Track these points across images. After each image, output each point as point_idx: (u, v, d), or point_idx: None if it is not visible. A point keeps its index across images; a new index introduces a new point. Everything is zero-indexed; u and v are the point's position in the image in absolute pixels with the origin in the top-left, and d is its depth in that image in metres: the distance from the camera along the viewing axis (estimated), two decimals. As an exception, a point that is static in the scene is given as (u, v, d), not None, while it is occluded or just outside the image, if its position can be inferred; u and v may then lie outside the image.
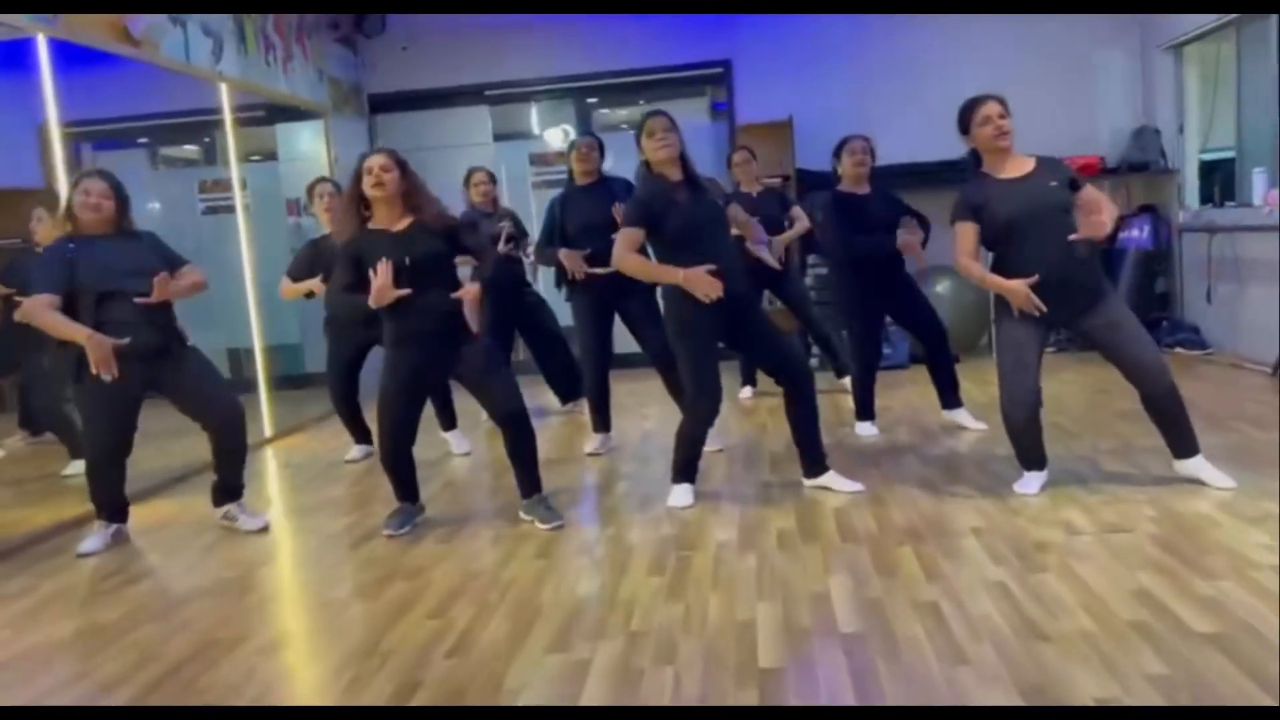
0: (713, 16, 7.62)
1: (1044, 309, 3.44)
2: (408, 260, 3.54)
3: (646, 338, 4.66)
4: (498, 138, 8.29)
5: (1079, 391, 5.64)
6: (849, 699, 2.24)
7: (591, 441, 4.98)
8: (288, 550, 3.81)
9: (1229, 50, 6.74)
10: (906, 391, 5.97)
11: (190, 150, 8.77)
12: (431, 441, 5.04)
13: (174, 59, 5.47)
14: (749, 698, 2.28)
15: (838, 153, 4.85)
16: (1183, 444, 3.60)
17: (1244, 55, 6.43)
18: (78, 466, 4.91)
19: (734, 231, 4.03)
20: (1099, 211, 3.44)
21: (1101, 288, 3.57)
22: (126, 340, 3.60)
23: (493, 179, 5.76)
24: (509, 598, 3.04)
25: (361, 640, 2.80)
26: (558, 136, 8.45)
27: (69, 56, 4.77)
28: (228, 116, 6.00)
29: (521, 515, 3.82)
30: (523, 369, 6.03)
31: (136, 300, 3.65)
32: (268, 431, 6.11)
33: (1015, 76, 7.36)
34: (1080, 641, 2.42)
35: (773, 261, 4.24)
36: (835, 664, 2.42)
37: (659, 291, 3.97)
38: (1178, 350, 6.79)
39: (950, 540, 3.24)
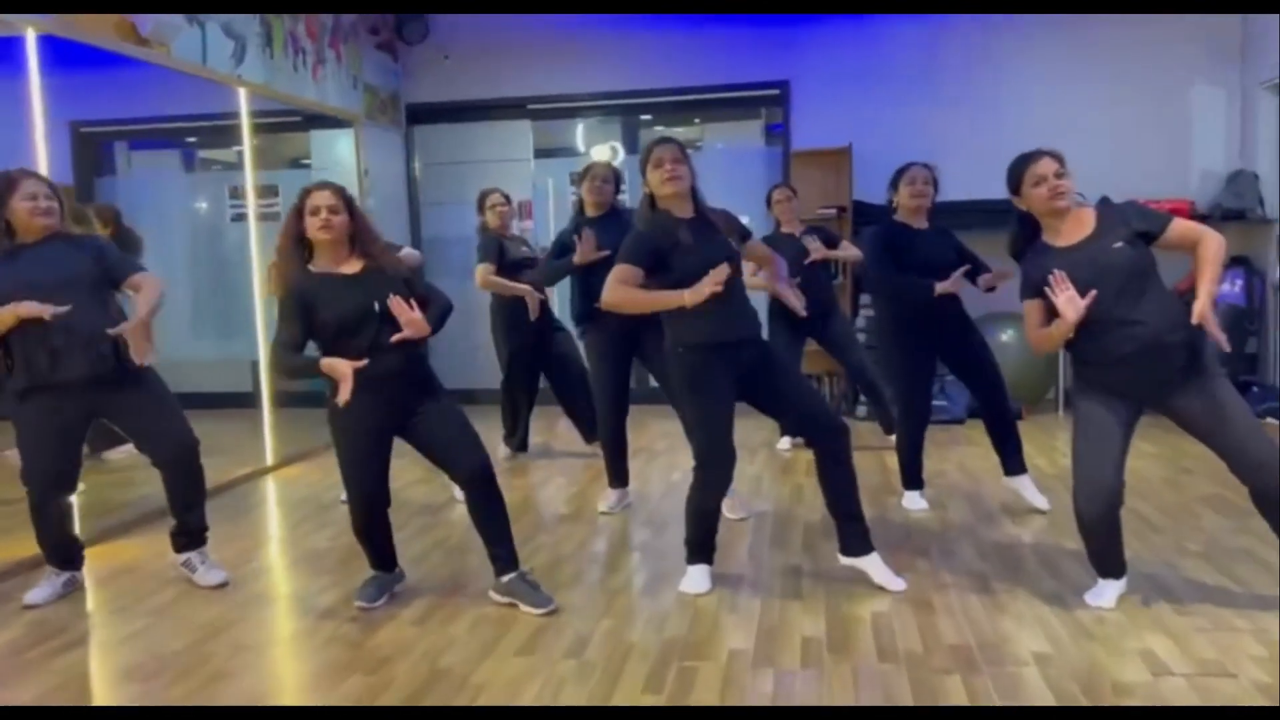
0: (773, 33, 7.13)
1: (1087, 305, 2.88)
2: (377, 306, 3.10)
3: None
4: (539, 154, 7.87)
5: (1160, 469, 5.00)
6: None
7: (606, 498, 4.51)
8: (248, 618, 3.35)
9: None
10: (963, 452, 5.41)
11: (227, 153, 8.51)
12: (441, 484, 4.63)
13: (188, 60, 5.11)
14: None
15: (895, 182, 4.30)
16: None
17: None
18: None
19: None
20: (1198, 244, 2.88)
21: (1201, 360, 2.97)
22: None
23: (508, 200, 5.32)
24: (484, 699, 2.57)
25: (292, 760, 2.35)
26: (605, 154, 8.02)
27: (99, 56, 4.50)
28: (245, 121, 5.65)
29: (494, 596, 3.32)
30: (544, 398, 5.62)
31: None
32: (269, 459, 5.72)
33: (1099, 111, 6.84)
34: None
35: (796, 304, 3.72)
36: None
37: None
38: (1268, 420, 6.13)
39: (1008, 671, 2.70)
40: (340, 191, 3.15)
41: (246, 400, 7.94)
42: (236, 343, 7.17)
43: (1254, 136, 6.66)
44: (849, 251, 5.38)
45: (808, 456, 5.30)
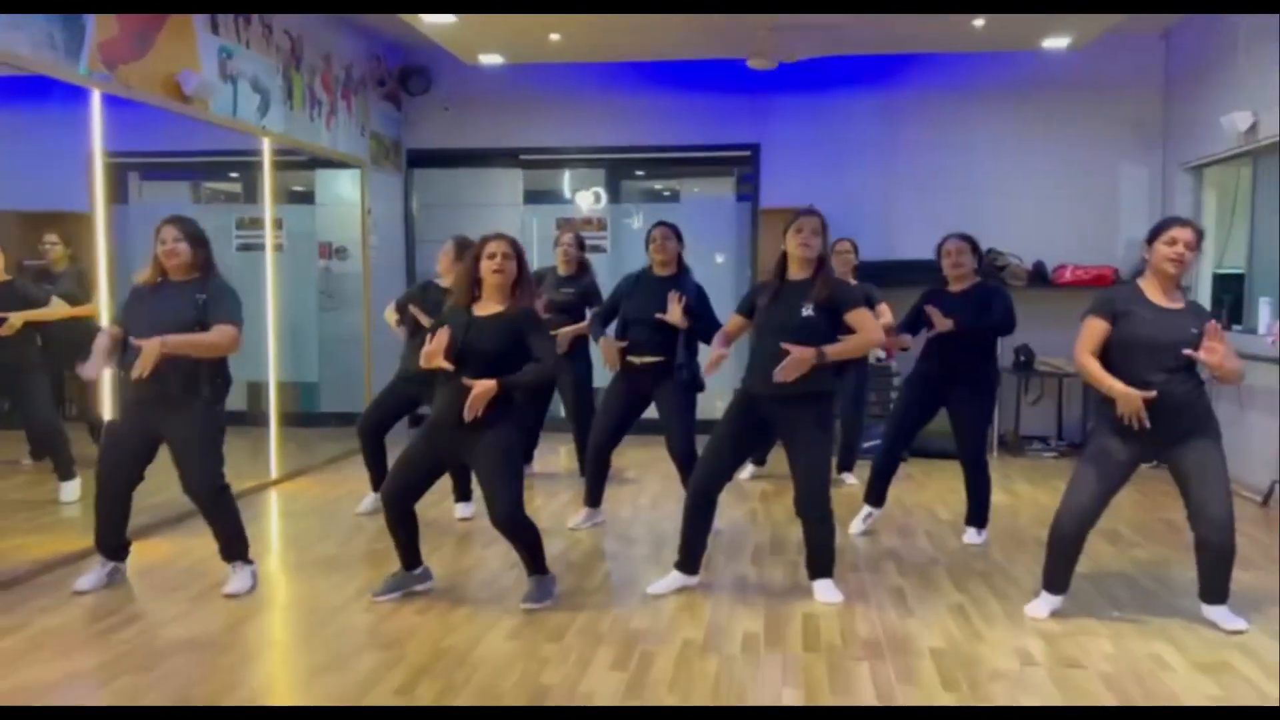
0: (746, 101, 7.84)
1: (1147, 425, 3.43)
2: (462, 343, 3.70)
3: (674, 431, 4.76)
4: (528, 199, 8.52)
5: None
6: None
7: (578, 515, 5.10)
8: (271, 609, 3.93)
9: (1247, 175, 6.86)
10: (900, 486, 6.05)
11: (232, 185, 9.10)
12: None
13: (222, 115, 5.74)
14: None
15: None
16: (1217, 592, 3.64)
17: (1259, 182, 6.55)
18: (70, 491, 5.15)
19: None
20: (1218, 348, 3.44)
21: (1207, 426, 3.58)
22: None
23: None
24: (475, 680, 3.16)
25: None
26: (588, 199, 8.68)
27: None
28: (267, 168, 6.25)
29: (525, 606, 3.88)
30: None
31: None
32: (274, 473, 6.28)
33: (1037, 184, 7.61)
34: (1009, 784, 2.51)
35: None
36: (770, 784, 2.51)
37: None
38: (1178, 467, 6.82)
39: (909, 660, 3.33)
40: (514, 243, 3.80)
41: (242, 419, 8.50)
42: (238, 365, 7.73)
43: (1173, 210, 7.41)
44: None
45: (762, 486, 5.96)
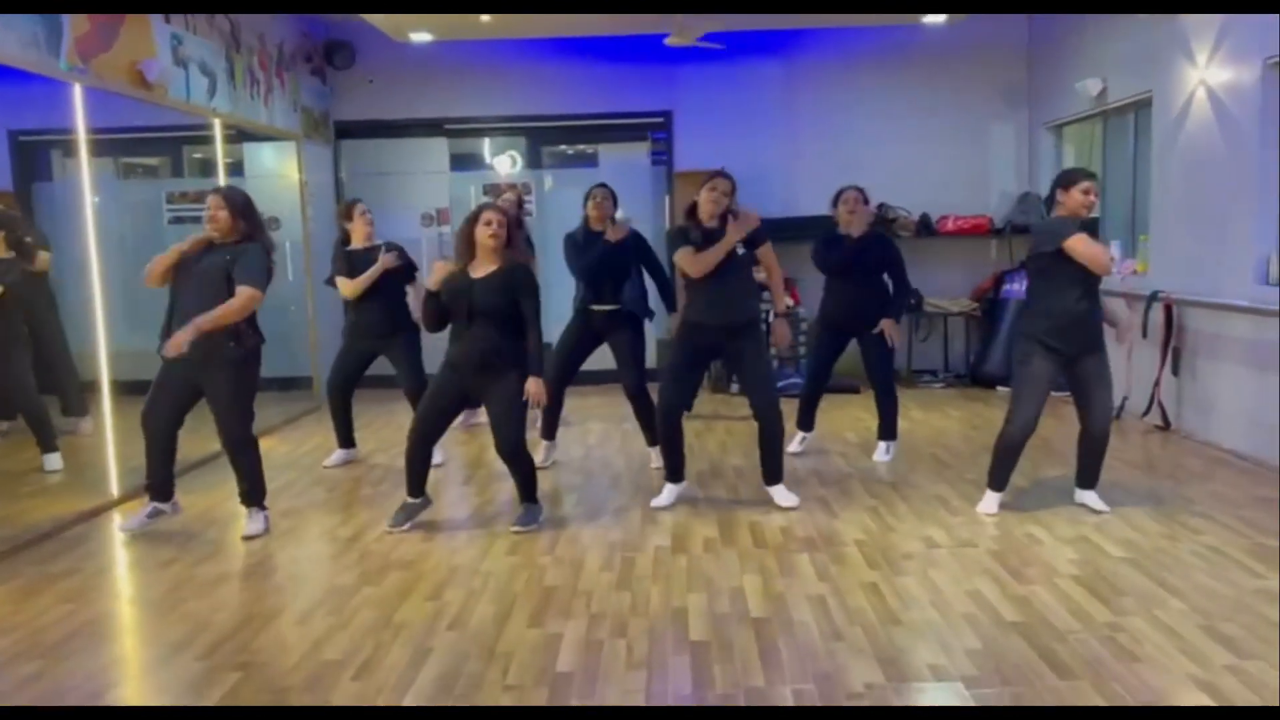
0: (657, 70, 8.47)
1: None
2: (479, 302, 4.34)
3: (628, 370, 5.44)
4: (454, 166, 9.00)
5: (959, 427, 6.62)
6: (757, 667, 3.07)
7: (539, 450, 5.75)
8: (291, 543, 4.49)
9: (1099, 132, 7.85)
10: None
11: (158, 160, 9.30)
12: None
13: (179, 99, 6.09)
14: (682, 664, 3.10)
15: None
16: (1090, 478, 4.58)
17: (1109, 141, 7.53)
18: (53, 461, 5.48)
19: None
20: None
21: (1101, 340, 4.44)
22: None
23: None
24: (490, 585, 3.82)
25: (376, 616, 3.55)
26: (505, 163, 9.20)
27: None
28: (219, 146, 6.62)
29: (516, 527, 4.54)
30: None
31: None
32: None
33: (918, 143, 8.46)
34: (924, 626, 3.31)
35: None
36: (746, 640, 3.25)
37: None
38: (1046, 390, 7.85)
39: (837, 549, 4.12)
40: (506, 211, 4.44)
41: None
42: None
43: (1038, 165, 8.40)
44: None
45: (695, 425, 6.71)
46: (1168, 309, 6.17)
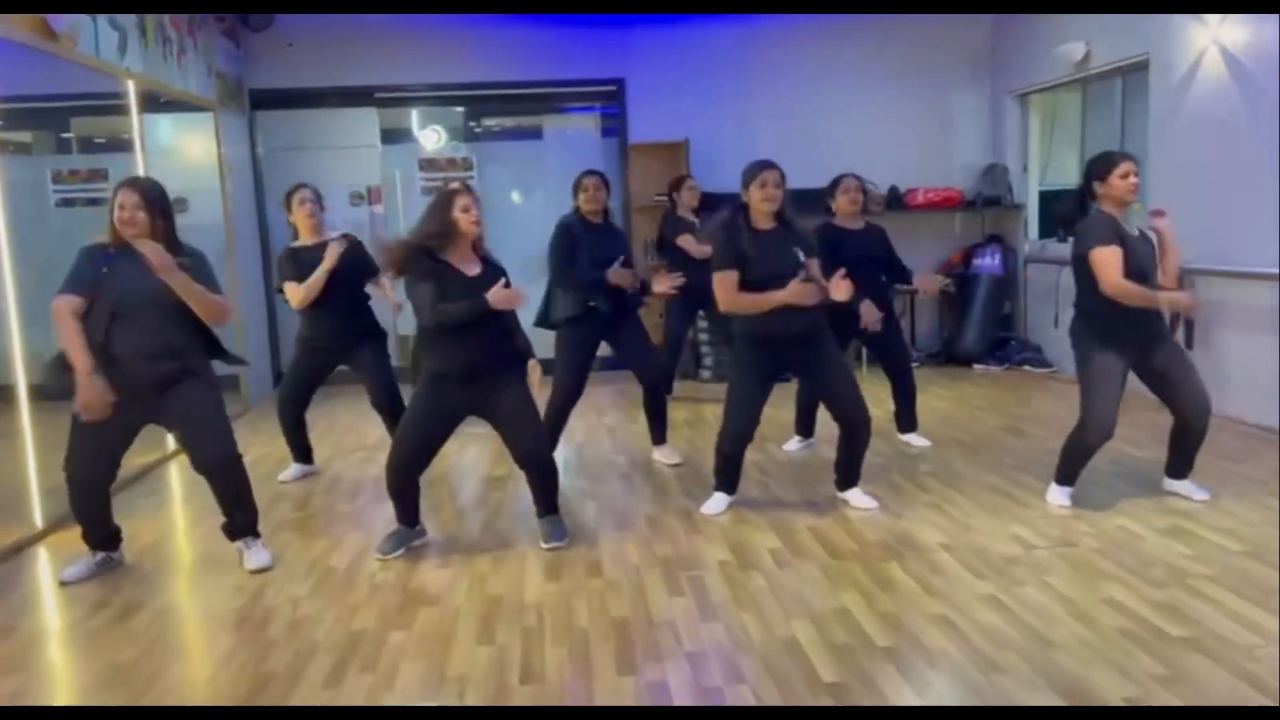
0: (607, 34, 7.84)
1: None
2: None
3: (641, 360, 4.95)
4: (386, 140, 8.19)
5: (960, 409, 6.27)
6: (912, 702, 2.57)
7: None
8: (280, 577, 3.74)
9: (1069, 100, 7.62)
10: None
11: (37, 136, 8.20)
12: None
13: (87, 54, 5.18)
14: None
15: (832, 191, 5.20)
16: (1184, 467, 4.21)
17: (1089, 108, 7.30)
18: None
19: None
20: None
21: (1166, 327, 4.07)
22: (120, 395, 3.47)
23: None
24: (548, 622, 3.20)
25: (424, 670, 2.90)
26: (430, 138, 8.44)
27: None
28: (135, 112, 5.72)
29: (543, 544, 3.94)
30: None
31: None
32: (171, 446, 5.84)
33: (881, 112, 8.07)
34: (1082, 647, 2.86)
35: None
36: (889, 677, 2.74)
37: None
38: (1025, 368, 7.61)
39: (929, 556, 3.65)
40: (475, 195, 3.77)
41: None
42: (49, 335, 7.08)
43: (1004, 136, 8.13)
44: None
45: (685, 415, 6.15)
46: (1178, 280, 5.92)
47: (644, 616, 3.22)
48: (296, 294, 4.74)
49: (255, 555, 3.81)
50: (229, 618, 3.36)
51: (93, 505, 3.70)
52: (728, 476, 4.29)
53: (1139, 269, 3.87)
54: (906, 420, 5.35)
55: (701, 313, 6.85)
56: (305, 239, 4.91)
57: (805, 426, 5.35)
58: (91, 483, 3.66)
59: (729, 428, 4.14)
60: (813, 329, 4.03)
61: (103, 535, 3.78)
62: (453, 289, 3.67)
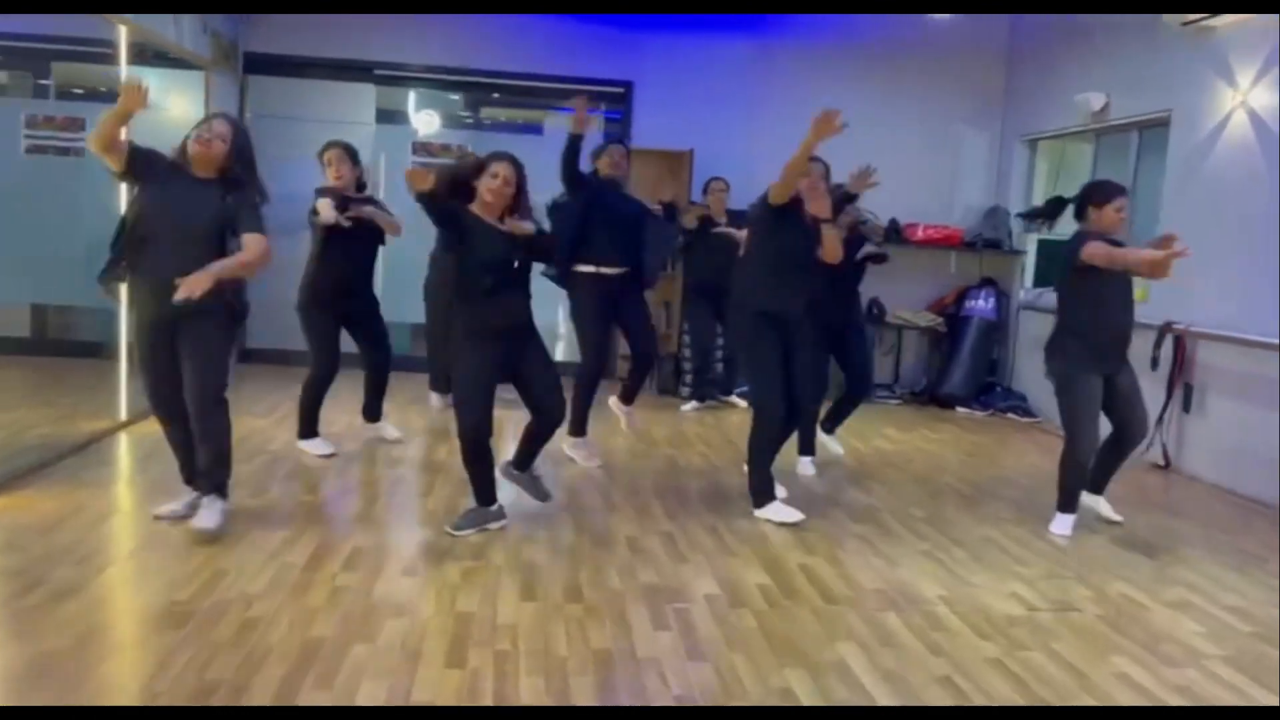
0: (618, 34, 7.63)
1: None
2: (516, 264, 3.83)
3: (643, 334, 5.01)
4: (381, 119, 7.91)
5: (950, 452, 6.10)
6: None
7: (579, 450, 5.09)
8: (232, 568, 3.46)
9: (1078, 150, 7.51)
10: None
11: (14, 76, 7.87)
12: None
13: (77, -9, 4.88)
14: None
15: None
16: (1103, 482, 4.52)
17: (1100, 159, 7.18)
18: None
19: None
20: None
21: (1126, 352, 4.33)
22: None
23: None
24: (522, 646, 2.96)
25: (386, 690, 2.64)
26: (424, 121, 8.19)
27: None
28: (123, 62, 5.41)
29: (502, 475, 4.04)
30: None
31: None
32: (124, 414, 5.52)
33: (889, 143, 7.86)
34: (1097, 727, 2.67)
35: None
36: (893, 742, 2.54)
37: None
38: (1009, 415, 7.46)
39: (929, 610, 3.44)
40: (520, 169, 3.74)
41: (26, 346, 7.45)
42: (20, 283, 6.75)
43: (1009, 179, 8.01)
44: None
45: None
46: (1180, 342, 5.81)
47: (626, 650, 2.99)
48: (327, 208, 4.75)
49: (206, 515, 3.68)
50: (173, 611, 3.07)
51: (174, 434, 3.78)
52: (765, 486, 4.37)
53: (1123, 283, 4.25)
54: (832, 423, 5.40)
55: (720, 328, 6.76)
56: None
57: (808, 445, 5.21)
58: (164, 409, 3.73)
59: (762, 416, 4.37)
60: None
61: (188, 472, 3.80)
62: (485, 245, 3.75)
